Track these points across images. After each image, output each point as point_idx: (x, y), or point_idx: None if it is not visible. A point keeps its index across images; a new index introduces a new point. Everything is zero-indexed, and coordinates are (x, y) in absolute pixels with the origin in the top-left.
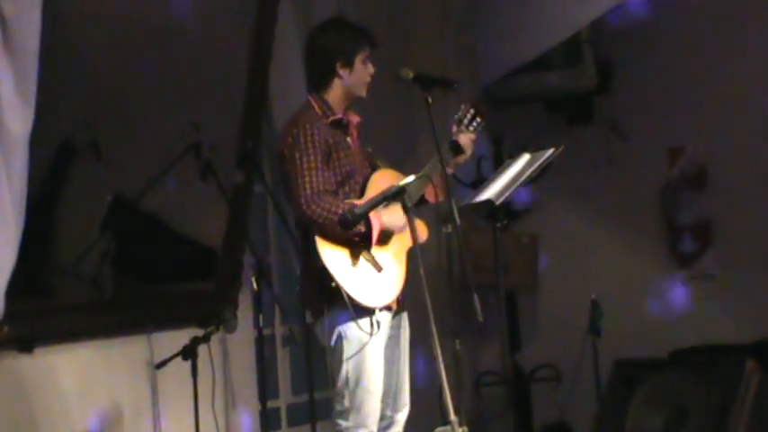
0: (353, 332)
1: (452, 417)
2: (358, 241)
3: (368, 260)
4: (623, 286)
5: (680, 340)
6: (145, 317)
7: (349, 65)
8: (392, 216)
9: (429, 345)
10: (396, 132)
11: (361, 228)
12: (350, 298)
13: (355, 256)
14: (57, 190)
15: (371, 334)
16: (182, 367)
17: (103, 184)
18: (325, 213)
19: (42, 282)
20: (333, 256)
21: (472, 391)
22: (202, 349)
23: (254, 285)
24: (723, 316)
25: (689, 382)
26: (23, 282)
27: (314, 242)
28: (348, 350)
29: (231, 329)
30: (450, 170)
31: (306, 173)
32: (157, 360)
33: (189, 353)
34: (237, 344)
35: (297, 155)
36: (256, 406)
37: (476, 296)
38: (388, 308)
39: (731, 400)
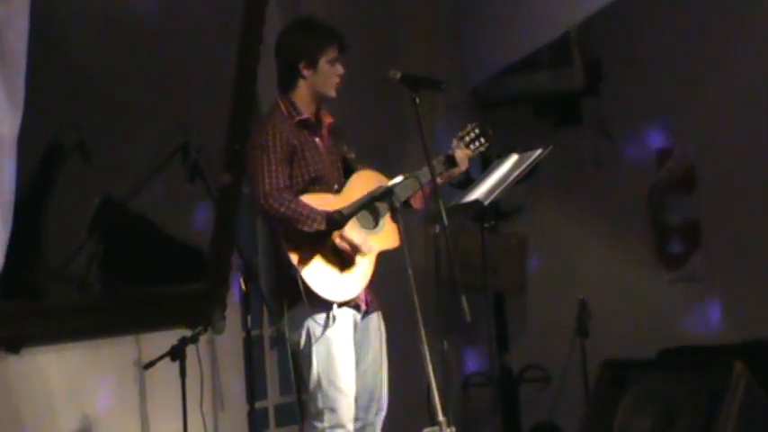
0: (320, 331)
1: (440, 417)
2: (314, 239)
3: (332, 253)
4: (611, 287)
5: (668, 341)
6: (133, 318)
7: (313, 65)
8: (354, 233)
9: (417, 345)
10: (384, 134)
11: (321, 226)
12: (306, 288)
13: (318, 252)
14: (45, 191)
15: (326, 327)
16: (170, 368)
17: (91, 185)
18: (282, 209)
19: (30, 283)
20: (296, 251)
21: (460, 391)
22: (190, 350)
23: (243, 286)
24: (711, 317)
25: (677, 383)
26: (11, 283)
27: (279, 236)
28: (315, 351)
29: (219, 330)
30: (439, 180)
31: (266, 169)
32: (145, 361)
33: (177, 354)
34: (226, 345)
35: (259, 153)
36: (244, 406)
37: (464, 297)
38: (355, 306)
39: (719, 401)
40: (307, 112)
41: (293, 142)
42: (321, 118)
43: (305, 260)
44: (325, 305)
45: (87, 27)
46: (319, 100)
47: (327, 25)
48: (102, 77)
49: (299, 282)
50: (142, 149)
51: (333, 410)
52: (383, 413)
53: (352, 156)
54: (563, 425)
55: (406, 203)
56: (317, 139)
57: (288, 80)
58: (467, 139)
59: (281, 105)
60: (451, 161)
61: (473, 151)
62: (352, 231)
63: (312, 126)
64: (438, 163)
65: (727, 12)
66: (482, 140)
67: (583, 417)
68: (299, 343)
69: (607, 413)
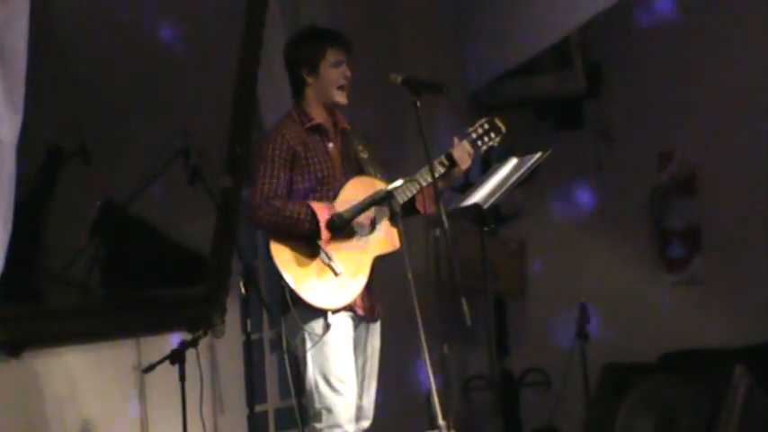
0: (315, 335)
1: (441, 421)
2: (308, 236)
3: (325, 263)
4: (612, 291)
5: (669, 345)
6: (133, 321)
7: (314, 71)
8: (346, 206)
9: (417, 349)
10: (385, 137)
11: (306, 223)
12: (293, 298)
13: (309, 258)
14: (46, 195)
15: (322, 334)
16: (170, 372)
17: (92, 189)
18: (273, 218)
19: (31, 287)
20: (286, 259)
21: (460, 395)
22: (190, 354)
23: (243, 290)
24: (712, 321)
25: (678, 387)
26: (12, 287)
27: (268, 245)
28: (311, 352)
29: (219, 334)
30: (441, 184)
31: (261, 180)
32: (145, 364)
33: (177, 357)
34: (226, 348)
35: (259, 162)
36: (244, 410)
37: (464, 300)
38: (351, 310)
39: (720, 405)
40: (318, 117)
41: (297, 149)
42: (336, 122)
43: (295, 270)
44: (321, 312)
45: (88, 30)
46: (327, 105)
47: (327, 30)
48: (103, 81)
49: (287, 295)
50: (143, 153)
51: (329, 411)
52: (368, 422)
53: (364, 156)
54: (563, 429)
55: (413, 209)
56: (330, 144)
57: (297, 89)
58: (473, 135)
59: (293, 112)
60: (451, 160)
61: (479, 148)
62: (344, 243)
63: (324, 131)
64: (439, 164)
65: (729, 14)
66: (492, 136)
67: (583, 421)
68: (296, 347)
69: (608, 417)
